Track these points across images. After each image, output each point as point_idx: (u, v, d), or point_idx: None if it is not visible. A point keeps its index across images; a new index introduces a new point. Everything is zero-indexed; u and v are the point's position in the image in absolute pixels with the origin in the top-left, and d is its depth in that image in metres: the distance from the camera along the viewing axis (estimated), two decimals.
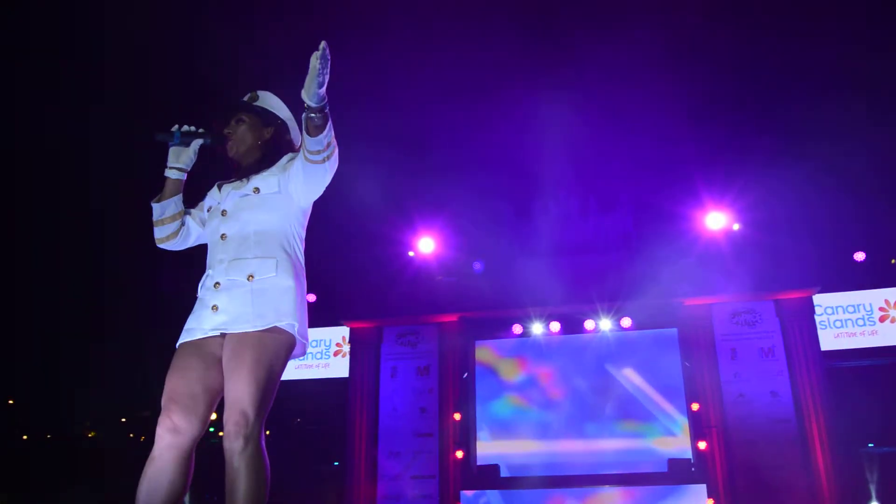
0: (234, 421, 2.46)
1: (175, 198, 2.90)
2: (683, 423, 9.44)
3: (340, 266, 11.06)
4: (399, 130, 10.49)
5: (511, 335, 10.22)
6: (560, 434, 9.71)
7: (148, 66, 9.43)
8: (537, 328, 10.07)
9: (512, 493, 9.44)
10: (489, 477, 9.65)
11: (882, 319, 9.75)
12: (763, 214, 9.64)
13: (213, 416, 2.76)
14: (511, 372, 10.22)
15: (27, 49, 9.34)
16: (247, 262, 2.68)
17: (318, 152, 2.64)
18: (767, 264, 9.42)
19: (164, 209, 2.89)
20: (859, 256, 9.90)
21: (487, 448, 9.93)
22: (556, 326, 10.05)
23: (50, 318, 13.28)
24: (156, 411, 2.63)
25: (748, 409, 9.41)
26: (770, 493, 8.94)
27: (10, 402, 17.12)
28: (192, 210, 2.99)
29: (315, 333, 11.58)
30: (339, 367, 11.29)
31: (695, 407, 9.39)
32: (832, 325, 9.84)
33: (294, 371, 11.50)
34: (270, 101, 2.93)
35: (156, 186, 2.92)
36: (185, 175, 2.91)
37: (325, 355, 11.51)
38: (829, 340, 9.75)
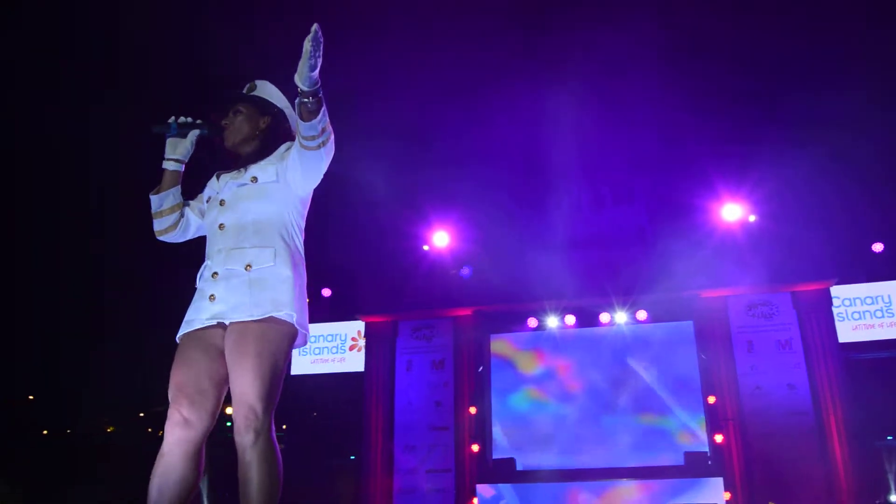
0: (242, 416, 2.45)
1: (173, 189, 2.89)
2: (700, 416, 9.40)
3: (355, 261, 11.09)
4: (413, 125, 10.48)
5: (526, 328, 10.21)
6: (577, 427, 9.70)
7: (147, 62, 9.44)
8: (552, 321, 10.06)
9: (528, 486, 9.44)
10: (505, 470, 9.65)
11: None
12: (779, 206, 9.57)
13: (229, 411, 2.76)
14: (529, 364, 10.22)
15: (25, 47, 9.38)
16: (244, 251, 2.65)
17: (313, 138, 2.60)
18: (784, 256, 9.35)
19: (163, 201, 2.88)
20: (877, 247, 9.81)
21: (503, 441, 9.93)
22: (571, 320, 10.03)
23: (65, 314, 13.39)
24: None
25: (765, 402, 9.36)
26: (787, 486, 8.89)
27: (31, 397, 17.30)
28: (192, 202, 2.98)
29: (330, 328, 11.63)
30: (354, 362, 11.32)
31: (711, 400, 9.34)
32: (850, 317, 9.76)
33: (310, 365, 11.56)
34: (268, 91, 2.91)
35: (154, 179, 2.91)
36: (183, 166, 2.90)
37: (341, 350, 11.55)
38: (847, 332, 9.67)
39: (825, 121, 8.92)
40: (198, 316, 2.67)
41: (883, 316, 9.68)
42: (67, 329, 13.58)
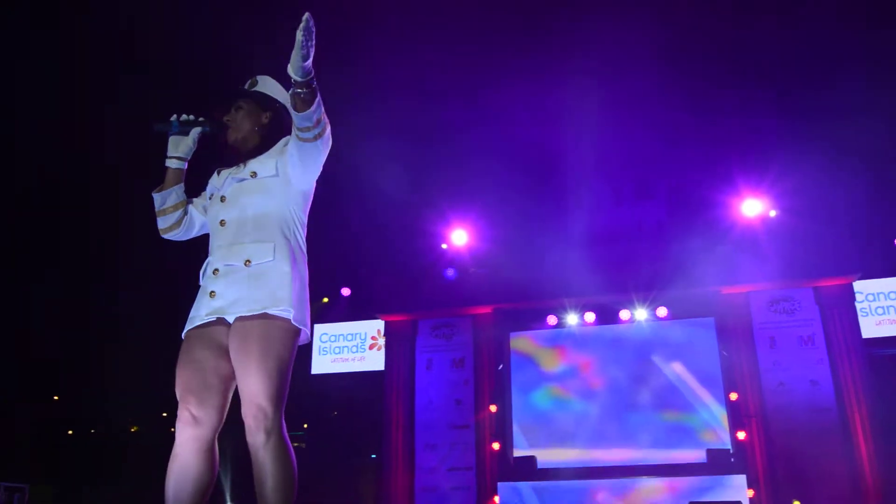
0: (252, 416, 2.46)
1: (176, 187, 2.89)
2: (722, 413, 9.34)
3: (375, 260, 11.13)
4: (430, 124, 10.50)
5: (546, 326, 10.19)
6: (599, 424, 9.67)
7: (150, 60, 9.48)
8: (572, 319, 10.03)
9: (549, 484, 9.42)
10: (526, 469, 9.64)
11: None
12: (801, 200, 9.47)
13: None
14: (551, 361, 10.19)
15: (27, 46, 9.45)
16: (244, 246, 2.65)
17: (308, 129, 2.58)
18: (806, 251, 9.27)
19: (165, 199, 2.88)
20: None
21: (524, 439, 9.92)
22: (591, 317, 10.00)
23: (89, 315, 13.53)
24: None
25: (788, 399, 9.28)
26: (811, 483, 8.81)
27: (56, 398, 17.50)
28: (195, 199, 2.98)
29: (350, 327, 11.67)
30: (374, 361, 11.36)
31: (733, 397, 9.28)
32: (874, 312, 9.65)
33: (330, 365, 11.61)
34: (269, 86, 2.90)
35: (158, 177, 2.91)
36: (186, 164, 2.90)
37: (361, 349, 11.58)
38: (871, 328, 9.56)
39: (846, 114, 8.83)
40: (199, 313, 2.67)
41: None
42: (91, 330, 13.72)
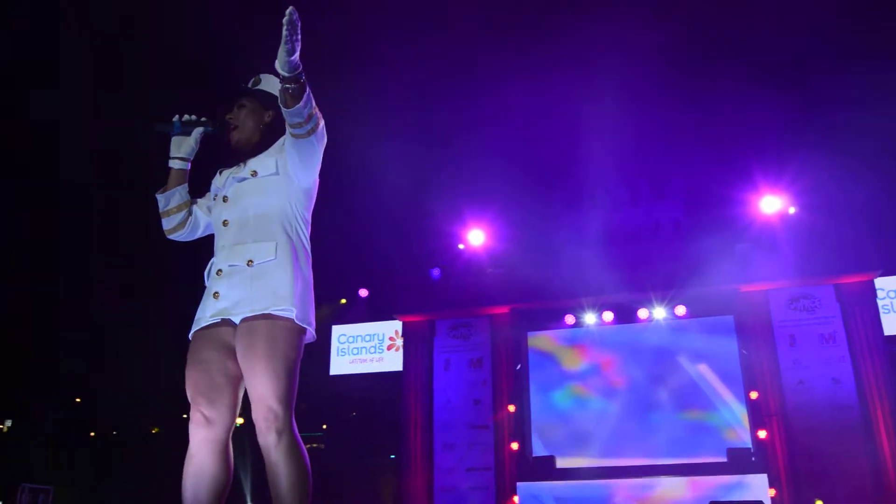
0: (262, 417, 2.46)
1: (179, 188, 2.89)
2: (742, 411, 9.28)
3: (392, 261, 11.15)
4: (447, 125, 10.51)
5: (563, 325, 10.17)
6: (619, 424, 9.63)
7: (148, 59, 9.51)
8: (590, 318, 10.00)
9: (568, 484, 9.39)
10: (545, 468, 9.62)
11: None
12: (820, 197, 9.39)
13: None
14: (572, 360, 10.16)
15: (29, 45, 9.50)
16: (246, 246, 2.63)
17: (300, 125, 2.56)
18: (826, 248, 9.19)
19: (169, 200, 2.88)
20: None
21: (543, 438, 9.90)
22: (609, 316, 9.97)
23: (111, 316, 13.64)
24: None
25: (809, 397, 9.21)
26: (833, 481, 8.73)
27: (77, 399, 17.66)
28: (200, 200, 2.97)
29: (368, 328, 11.70)
30: (392, 361, 11.38)
31: (753, 395, 9.22)
32: (895, 309, 9.57)
33: (348, 365, 11.65)
34: (272, 84, 2.85)
35: (161, 178, 2.91)
36: (189, 164, 2.90)
37: (379, 349, 11.61)
38: (893, 325, 9.47)
39: (867, 109, 8.75)
40: (204, 314, 2.67)
41: None
42: (113, 331, 13.83)
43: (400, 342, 11.30)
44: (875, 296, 9.43)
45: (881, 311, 9.42)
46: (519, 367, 10.24)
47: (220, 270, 2.66)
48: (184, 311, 2.76)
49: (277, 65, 2.41)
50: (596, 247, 9.67)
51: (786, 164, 9.52)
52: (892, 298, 9.61)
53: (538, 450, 9.87)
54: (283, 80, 2.45)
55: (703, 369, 9.56)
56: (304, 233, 2.75)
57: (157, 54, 9.31)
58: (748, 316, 9.61)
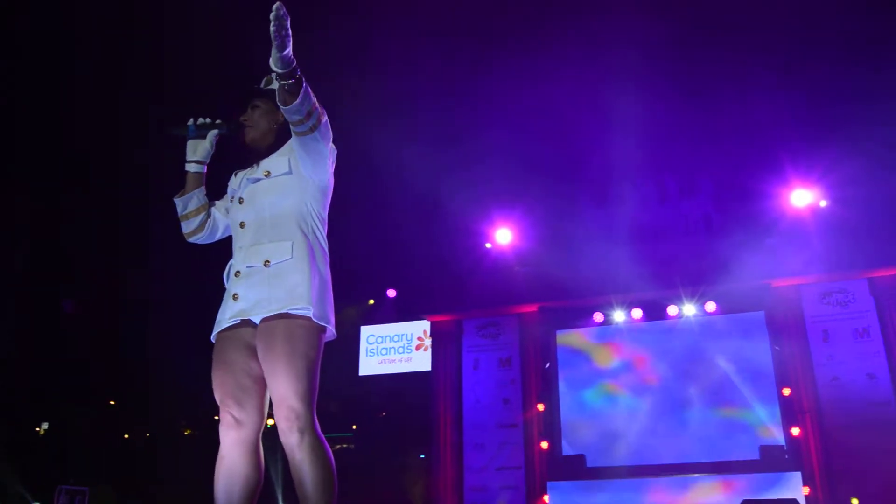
0: (284, 417, 2.47)
1: (197, 191, 2.91)
2: (775, 408, 9.16)
3: (419, 261, 11.17)
4: (473, 123, 10.50)
5: (592, 323, 10.12)
6: (651, 422, 9.55)
7: (162, 63, 9.57)
8: (619, 316, 9.94)
9: (600, 483, 9.35)
10: (575, 467, 9.58)
11: None
12: (852, 189, 9.22)
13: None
14: (604, 357, 10.10)
15: (34, 45, 9.58)
16: (263, 247, 2.65)
17: (301, 122, 2.54)
18: (859, 241, 9.03)
19: (187, 203, 2.90)
20: None
21: (574, 437, 9.86)
22: (637, 314, 9.90)
23: (141, 319, 13.80)
24: None
25: (843, 393, 9.06)
26: (869, 479, 8.58)
27: (112, 402, 17.92)
28: (218, 202, 2.99)
29: (396, 328, 11.74)
30: (421, 361, 11.40)
31: (786, 392, 9.10)
32: None
33: (377, 366, 11.69)
34: None
35: (178, 183, 2.93)
36: (205, 167, 2.92)
37: (408, 349, 11.64)
38: None
39: None
40: (224, 316, 2.69)
41: None
42: (146, 333, 14.00)
43: (428, 342, 11.32)
44: None
45: None
46: (548, 365, 10.20)
47: (238, 272, 2.68)
48: (215, 312, 2.78)
49: (271, 62, 2.40)
50: (624, 244, 9.61)
51: (816, 157, 9.38)
52: None
53: (567, 449, 9.83)
54: (278, 76, 2.44)
55: (734, 366, 9.45)
56: (321, 231, 2.75)
57: (171, 57, 9.38)
58: (780, 311, 9.48)
